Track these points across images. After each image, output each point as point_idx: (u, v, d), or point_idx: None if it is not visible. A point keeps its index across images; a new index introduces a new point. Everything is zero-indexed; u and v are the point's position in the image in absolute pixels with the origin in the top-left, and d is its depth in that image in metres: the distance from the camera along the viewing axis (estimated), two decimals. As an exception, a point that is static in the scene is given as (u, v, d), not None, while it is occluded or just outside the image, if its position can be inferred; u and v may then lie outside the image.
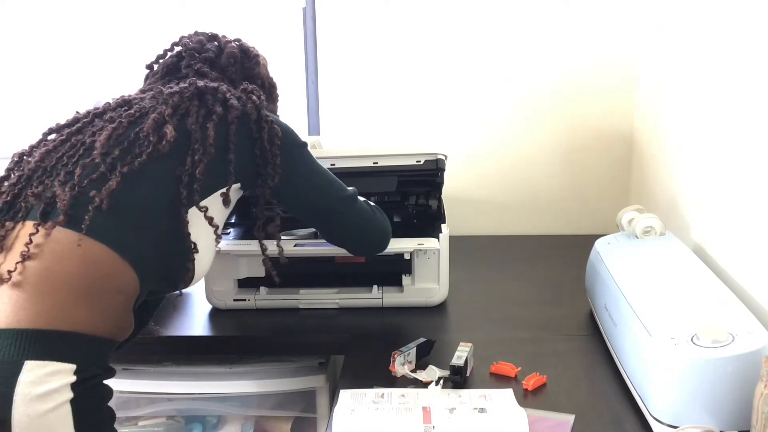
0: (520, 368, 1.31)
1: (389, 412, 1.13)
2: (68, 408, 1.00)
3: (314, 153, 1.69)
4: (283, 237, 1.67)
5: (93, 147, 1.17)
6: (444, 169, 1.66)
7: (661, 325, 1.15)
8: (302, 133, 2.18)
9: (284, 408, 1.67)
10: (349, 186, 1.43)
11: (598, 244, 1.57)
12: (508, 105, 2.13)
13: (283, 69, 2.16)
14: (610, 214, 1.83)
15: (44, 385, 0.99)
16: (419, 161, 1.63)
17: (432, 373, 1.30)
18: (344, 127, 2.17)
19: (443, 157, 1.66)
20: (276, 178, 1.29)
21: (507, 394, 1.22)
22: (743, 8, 1.37)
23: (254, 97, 1.31)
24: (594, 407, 1.21)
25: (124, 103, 1.28)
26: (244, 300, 1.62)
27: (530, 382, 1.26)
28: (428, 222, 1.70)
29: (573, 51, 2.09)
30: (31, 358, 0.99)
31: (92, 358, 1.06)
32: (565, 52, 2.09)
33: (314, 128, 2.16)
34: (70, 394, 1.01)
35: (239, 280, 1.63)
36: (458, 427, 1.09)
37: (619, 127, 2.13)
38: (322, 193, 1.38)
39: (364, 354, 1.41)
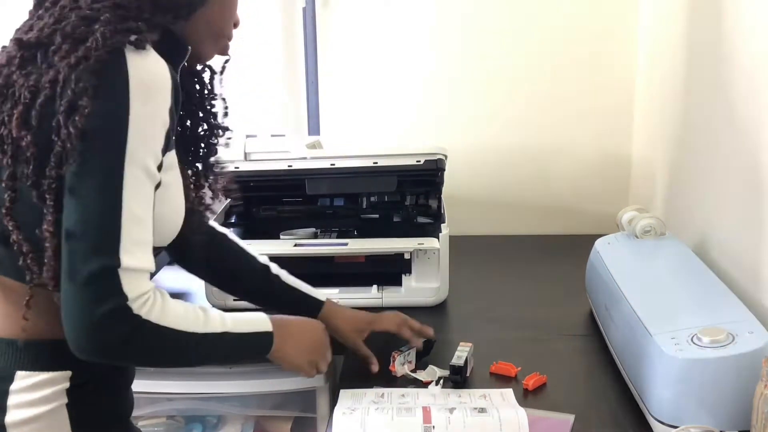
0: (520, 368, 1.31)
1: (389, 412, 1.13)
2: (64, 412, 0.98)
3: (314, 153, 1.70)
4: (282, 237, 1.68)
5: None
6: (444, 169, 1.66)
7: (661, 325, 1.15)
8: (302, 133, 2.19)
9: (284, 408, 1.67)
10: (350, 186, 1.40)
11: (598, 244, 1.57)
12: (508, 105, 2.13)
13: (283, 69, 2.17)
14: (610, 214, 1.83)
15: (37, 393, 0.97)
16: (419, 161, 1.63)
17: (432, 373, 1.30)
18: (344, 127, 2.17)
19: (443, 157, 1.66)
20: (62, 168, 0.88)
21: (507, 394, 1.22)
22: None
23: (97, 43, 0.88)
24: (594, 407, 1.21)
25: None
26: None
27: (530, 382, 1.26)
28: (428, 222, 1.70)
29: (572, 50, 2.09)
30: (23, 369, 0.97)
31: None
32: (564, 51, 2.09)
33: (314, 128, 2.16)
34: (65, 399, 0.98)
35: (239, 280, 1.63)
36: (458, 427, 1.09)
37: (620, 127, 2.13)
38: (74, 223, 0.88)
39: (364, 354, 1.41)
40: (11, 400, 0.96)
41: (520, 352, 1.39)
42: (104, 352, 0.91)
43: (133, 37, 0.90)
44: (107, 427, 1.07)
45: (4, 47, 0.98)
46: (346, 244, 1.60)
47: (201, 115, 1.16)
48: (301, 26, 2.11)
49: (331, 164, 1.62)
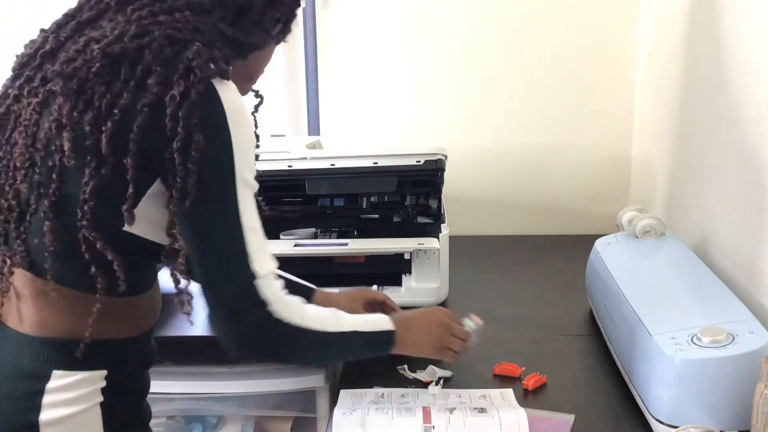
0: (523, 368, 1.31)
1: (389, 412, 1.13)
2: (98, 410, 1.00)
3: (314, 153, 1.70)
4: (282, 237, 1.68)
5: (14, 167, 0.98)
6: (444, 169, 1.66)
7: (661, 325, 1.15)
8: (302, 133, 2.19)
9: (284, 408, 1.67)
10: (350, 186, 1.39)
11: (598, 244, 1.57)
12: (508, 105, 2.13)
13: (283, 69, 2.17)
14: (610, 214, 1.84)
15: (73, 392, 0.98)
16: (419, 161, 1.63)
17: (432, 373, 1.30)
18: (344, 127, 2.17)
19: (443, 157, 1.66)
20: (186, 202, 0.93)
21: (507, 394, 1.22)
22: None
23: (193, 76, 0.91)
24: (594, 407, 1.21)
25: (32, 74, 0.99)
26: (244, 300, 1.62)
27: (530, 382, 1.26)
28: (428, 222, 1.70)
29: (572, 50, 2.09)
30: (60, 368, 0.98)
31: (125, 358, 1.05)
32: (564, 52, 2.09)
33: (314, 128, 2.16)
34: (100, 398, 1.00)
35: (239, 280, 1.63)
36: (458, 427, 1.09)
37: (620, 126, 2.13)
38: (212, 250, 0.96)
39: (364, 354, 1.41)
40: (46, 399, 0.97)
41: (520, 352, 1.39)
42: (261, 354, 1.04)
43: (218, 68, 0.94)
44: (135, 428, 1.09)
45: (69, 44, 0.97)
46: (346, 244, 1.60)
47: None
48: (301, 26, 2.11)
49: (331, 164, 1.62)
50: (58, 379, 0.98)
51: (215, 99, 0.93)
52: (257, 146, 1.03)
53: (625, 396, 1.23)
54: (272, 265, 1.00)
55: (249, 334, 0.99)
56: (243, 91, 1.10)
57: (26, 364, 0.99)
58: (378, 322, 1.13)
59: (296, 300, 1.02)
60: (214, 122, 0.93)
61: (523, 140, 2.15)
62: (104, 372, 1.00)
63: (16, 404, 0.98)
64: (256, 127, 1.13)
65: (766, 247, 1.27)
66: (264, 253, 0.98)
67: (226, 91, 0.94)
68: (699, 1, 1.61)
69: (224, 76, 0.95)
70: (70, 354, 0.98)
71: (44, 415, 0.96)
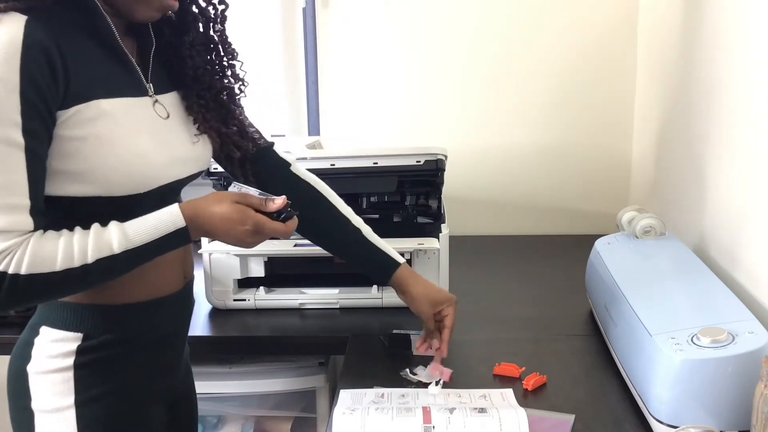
0: (523, 368, 1.31)
1: (389, 412, 1.13)
2: (71, 372, 1.07)
3: (314, 153, 1.70)
4: (283, 237, 1.68)
5: None
6: (444, 169, 1.66)
7: (661, 325, 1.15)
8: (302, 133, 2.19)
9: (284, 408, 1.68)
10: (350, 186, 1.39)
11: (598, 244, 1.57)
12: (509, 105, 2.13)
13: (283, 69, 2.17)
14: (610, 214, 1.84)
15: (52, 348, 1.07)
16: (419, 161, 1.63)
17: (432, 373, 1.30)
18: (344, 127, 2.17)
19: (443, 157, 1.66)
20: None
21: (507, 394, 1.22)
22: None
23: None
24: (594, 407, 1.21)
25: None
26: (244, 300, 1.62)
27: (530, 382, 1.26)
28: (428, 222, 1.70)
29: (572, 50, 2.09)
30: (47, 325, 1.08)
31: (102, 325, 1.09)
32: (564, 52, 2.09)
33: (314, 128, 2.16)
34: (72, 359, 1.07)
35: (239, 280, 1.63)
36: (458, 427, 1.09)
37: (620, 126, 2.13)
38: None
39: (364, 354, 1.41)
40: (34, 350, 1.08)
41: (520, 352, 1.39)
42: (11, 308, 0.98)
43: None
44: (109, 400, 1.11)
45: None
46: (346, 244, 1.60)
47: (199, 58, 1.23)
48: (301, 26, 2.11)
49: (331, 164, 1.62)
50: (45, 334, 1.08)
51: None
52: (26, 92, 0.92)
53: (625, 396, 1.23)
54: (13, 220, 0.93)
55: None
56: (159, 7, 1.06)
57: (33, 316, 1.12)
58: (167, 221, 1.03)
59: (28, 250, 0.94)
60: None
61: (523, 140, 2.15)
62: (80, 335, 1.07)
63: (18, 349, 1.10)
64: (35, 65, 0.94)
65: (766, 247, 1.27)
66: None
67: None
68: (698, 1, 1.61)
69: None
70: (57, 314, 1.08)
71: (31, 366, 1.07)
